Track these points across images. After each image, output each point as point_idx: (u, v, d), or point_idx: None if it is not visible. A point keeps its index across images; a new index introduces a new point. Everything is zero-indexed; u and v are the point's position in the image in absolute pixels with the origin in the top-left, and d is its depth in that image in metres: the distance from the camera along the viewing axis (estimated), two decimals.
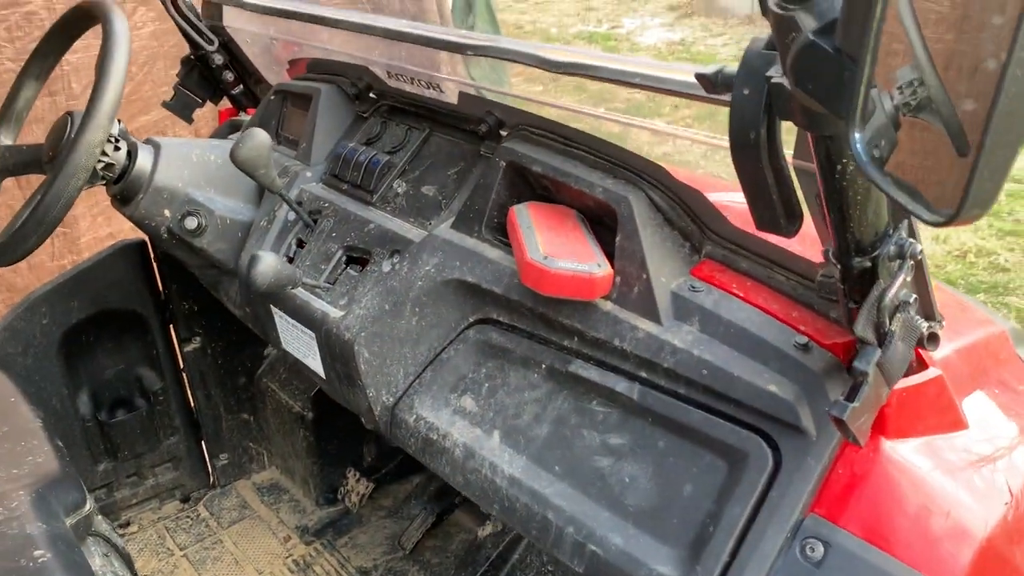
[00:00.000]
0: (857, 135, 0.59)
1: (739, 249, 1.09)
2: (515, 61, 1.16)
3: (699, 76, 0.81)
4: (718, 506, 0.94)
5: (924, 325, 0.86)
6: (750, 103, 0.74)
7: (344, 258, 1.39)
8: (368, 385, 1.27)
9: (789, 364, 0.96)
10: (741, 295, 1.04)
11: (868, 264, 0.81)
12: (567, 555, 1.02)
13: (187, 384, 2.11)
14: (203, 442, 2.20)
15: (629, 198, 1.09)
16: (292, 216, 1.49)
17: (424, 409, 1.23)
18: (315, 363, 1.40)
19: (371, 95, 1.55)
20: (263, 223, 1.53)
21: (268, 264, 1.23)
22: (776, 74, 0.72)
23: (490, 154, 1.31)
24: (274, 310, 1.45)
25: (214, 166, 1.60)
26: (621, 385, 1.05)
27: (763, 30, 0.73)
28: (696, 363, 0.99)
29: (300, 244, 1.48)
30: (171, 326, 2.05)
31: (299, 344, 1.42)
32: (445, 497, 2.01)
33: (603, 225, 1.18)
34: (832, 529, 0.87)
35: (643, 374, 1.05)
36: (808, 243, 0.99)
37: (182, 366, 2.09)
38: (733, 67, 0.79)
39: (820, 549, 0.87)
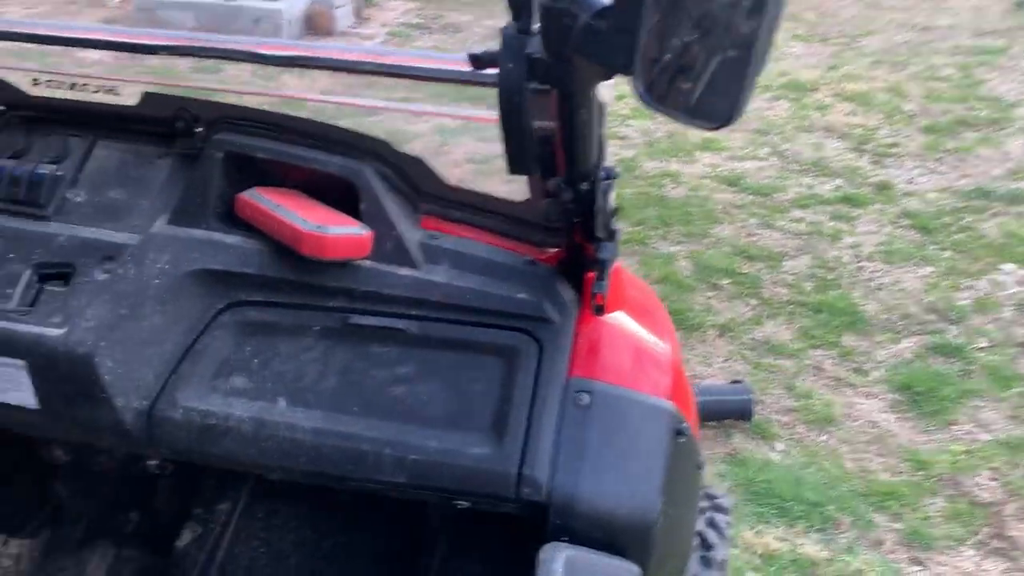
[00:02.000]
0: (640, 84, 0.92)
1: (448, 203, 1.36)
2: (228, 59, 1.24)
3: (471, 56, 1.06)
4: (505, 392, 1.21)
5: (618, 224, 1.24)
6: (515, 75, 1.02)
7: (36, 277, 1.30)
8: (114, 395, 1.24)
9: (527, 276, 1.26)
10: (470, 236, 1.32)
11: (589, 187, 1.15)
12: (388, 473, 1.19)
13: None
14: None
15: (364, 170, 1.28)
16: None
17: (190, 401, 1.25)
18: (22, 396, 1.28)
19: None
20: None
21: None
22: (535, 51, 1.01)
23: (189, 150, 1.36)
24: None
25: None
26: (399, 323, 1.25)
27: None
28: (458, 290, 1.24)
29: None
30: None
31: None
32: (105, 535, 1.89)
33: (326, 202, 1.34)
34: (589, 382, 1.21)
35: (415, 312, 1.26)
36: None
37: None
38: (494, 49, 1.05)
39: (586, 397, 1.20)
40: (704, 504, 1.82)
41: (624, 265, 1.39)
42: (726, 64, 0.87)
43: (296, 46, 1.25)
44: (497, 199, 1.34)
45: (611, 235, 1.18)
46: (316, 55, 1.24)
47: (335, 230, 1.21)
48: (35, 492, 1.89)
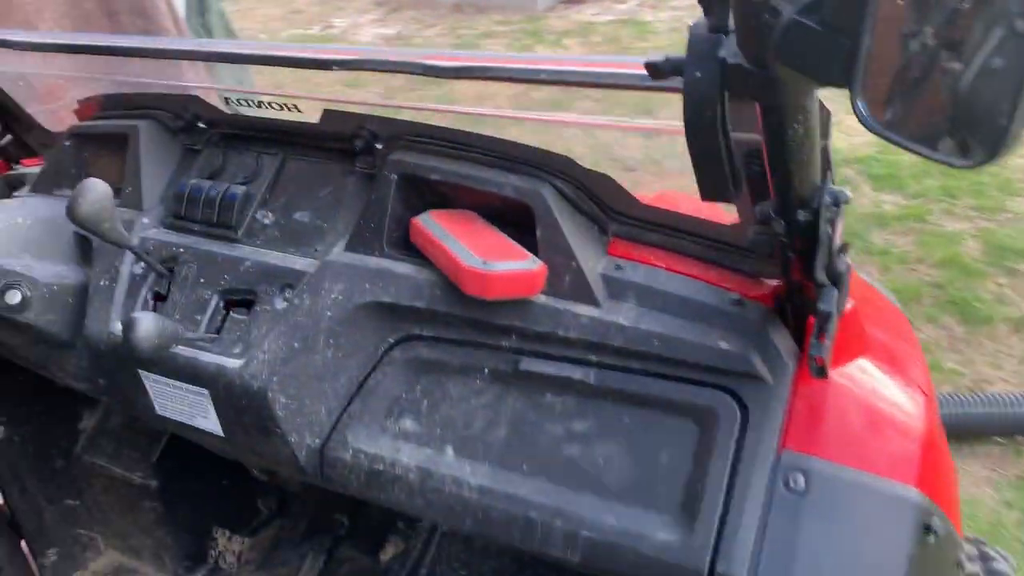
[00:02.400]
0: (862, 102, 0.66)
1: (643, 224, 1.16)
2: (402, 72, 1.13)
3: (648, 65, 0.85)
4: (699, 465, 1.01)
5: (848, 260, 0.98)
6: (704, 85, 0.80)
7: (222, 303, 1.28)
8: (288, 431, 1.19)
9: (731, 320, 1.04)
10: (663, 266, 1.11)
11: (810, 216, 0.90)
12: (559, 548, 1.04)
13: None
14: (24, 542, 1.93)
15: (542, 191, 1.11)
16: (140, 269, 1.35)
17: (360, 442, 1.18)
18: (208, 423, 1.28)
19: (200, 125, 1.44)
20: (103, 282, 1.36)
21: (149, 325, 1.12)
22: (729, 55, 0.78)
23: (369, 170, 1.27)
24: (144, 375, 1.31)
25: (23, 229, 1.41)
26: (576, 372, 1.08)
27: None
28: (645, 336, 1.05)
29: (159, 298, 1.34)
30: None
31: (182, 407, 1.30)
32: (322, 533, 1.93)
33: (505, 223, 1.19)
34: (806, 459, 0.97)
35: (594, 357, 1.08)
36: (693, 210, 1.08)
37: None
38: (678, 54, 0.84)
39: (801, 479, 0.96)
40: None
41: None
42: (995, 75, 0.61)
43: (466, 56, 1.10)
44: (699, 220, 1.12)
45: (836, 279, 0.93)
46: (485, 64, 1.09)
47: (501, 266, 1.06)
48: (257, 491, 1.96)
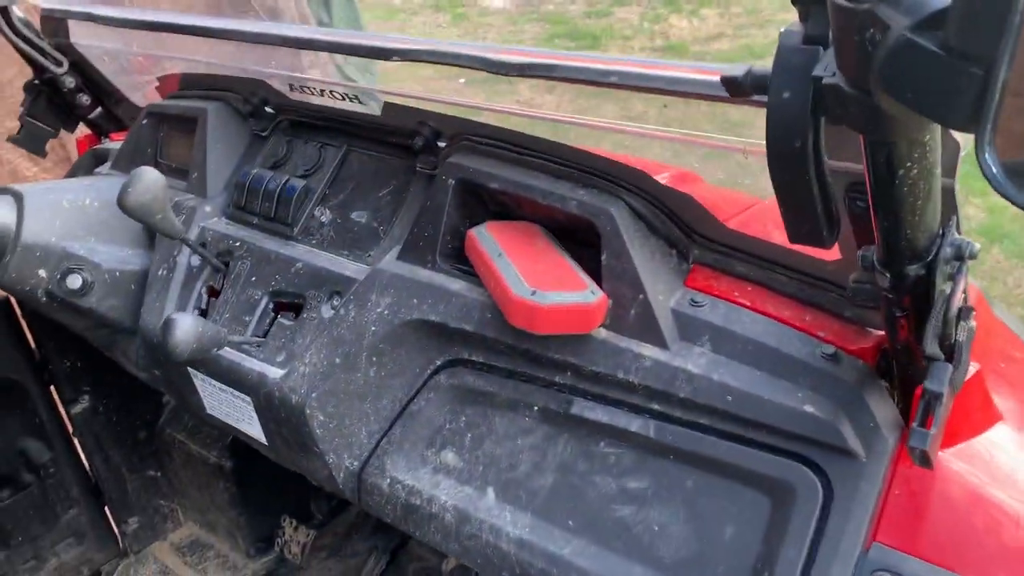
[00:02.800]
0: (989, 154, 0.49)
1: (730, 251, 1.00)
2: (460, 65, 1.01)
3: (725, 79, 0.69)
4: (768, 548, 0.85)
5: (973, 325, 0.79)
6: (793, 107, 0.63)
7: (272, 306, 1.21)
8: (326, 451, 1.11)
9: (821, 378, 0.87)
10: (747, 304, 0.95)
11: (923, 271, 0.72)
12: None
13: (80, 449, 1.87)
14: (107, 509, 1.96)
15: (610, 210, 0.97)
16: (197, 261, 1.29)
17: (399, 471, 1.08)
18: (253, 429, 1.22)
19: (268, 110, 1.36)
20: (161, 272, 1.32)
21: (187, 328, 1.05)
22: (826, 73, 0.61)
23: (430, 170, 1.16)
24: (193, 373, 1.26)
25: (91, 211, 1.38)
26: (634, 423, 0.94)
27: None
28: (717, 389, 0.90)
29: (212, 293, 1.28)
30: (52, 388, 1.79)
31: (229, 409, 1.24)
32: (393, 529, 1.87)
33: (574, 239, 1.06)
34: (901, 558, 0.80)
35: (656, 407, 0.94)
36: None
37: (71, 430, 1.84)
38: (763, 66, 0.68)
39: None
40: None
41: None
42: None
43: (533, 53, 0.97)
44: (795, 253, 0.95)
45: (952, 352, 0.75)
46: (551, 62, 0.95)
47: (552, 298, 0.92)
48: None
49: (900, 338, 0.81)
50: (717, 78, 0.72)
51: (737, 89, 0.69)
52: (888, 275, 0.74)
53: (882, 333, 0.91)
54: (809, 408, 0.86)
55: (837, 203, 0.71)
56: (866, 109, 0.58)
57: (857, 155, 0.70)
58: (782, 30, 0.67)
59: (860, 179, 0.76)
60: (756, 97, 0.69)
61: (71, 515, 1.89)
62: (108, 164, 1.60)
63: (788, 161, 0.66)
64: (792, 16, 0.68)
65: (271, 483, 1.89)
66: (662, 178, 1.08)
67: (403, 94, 1.14)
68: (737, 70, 0.69)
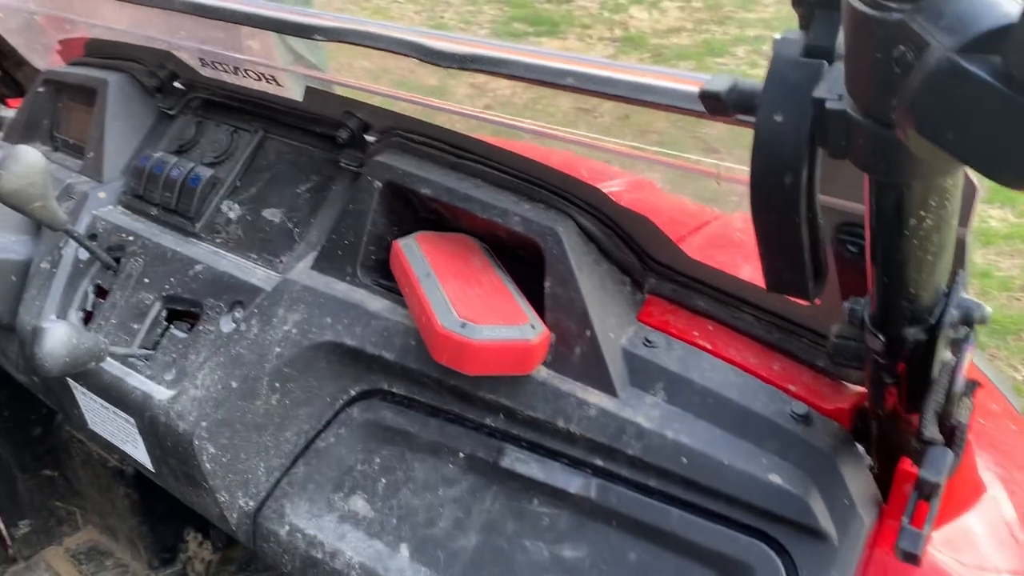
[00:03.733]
0: None
1: (690, 281, 0.87)
2: (391, 51, 0.86)
3: (704, 95, 0.56)
4: None
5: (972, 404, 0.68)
6: (786, 134, 0.51)
7: (164, 313, 1.05)
8: (217, 488, 0.96)
9: (789, 442, 0.75)
10: (708, 347, 0.83)
11: (923, 337, 0.60)
12: None
13: None
14: None
15: (557, 229, 0.83)
16: (86, 254, 1.13)
17: (299, 516, 0.93)
18: (139, 454, 1.07)
19: (177, 86, 1.20)
20: (45, 265, 1.15)
21: (59, 339, 0.89)
22: (830, 95, 0.49)
23: (355, 167, 1.02)
24: (73, 385, 1.09)
25: None
26: (574, 481, 0.81)
27: None
28: (670, 447, 0.77)
29: (101, 293, 1.12)
30: None
31: (113, 429, 1.08)
32: None
33: (516, 257, 0.92)
34: None
35: (599, 463, 0.81)
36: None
37: None
38: (752, 81, 0.55)
39: None
40: None
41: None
42: None
43: (480, 43, 0.82)
44: (763, 290, 0.82)
45: (952, 434, 0.63)
46: (501, 55, 0.81)
47: (487, 333, 0.78)
48: None
49: (886, 406, 0.69)
50: (693, 89, 0.59)
51: (718, 106, 0.56)
52: (881, 337, 0.61)
53: (862, 390, 0.79)
54: (774, 478, 0.73)
55: (825, 246, 0.59)
56: (881, 145, 0.45)
57: (854, 191, 0.58)
58: (776, 36, 0.54)
59: (854, 219, 0.64)
60: (742, 117, 0.56)
61: None
62: (1, 135, 1.42)
63: (775, 199, 0.53)
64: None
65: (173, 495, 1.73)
66: (613, 185, 0.95)
67: (332, 79, 0.99)
68: (719, 83, 0.56)
